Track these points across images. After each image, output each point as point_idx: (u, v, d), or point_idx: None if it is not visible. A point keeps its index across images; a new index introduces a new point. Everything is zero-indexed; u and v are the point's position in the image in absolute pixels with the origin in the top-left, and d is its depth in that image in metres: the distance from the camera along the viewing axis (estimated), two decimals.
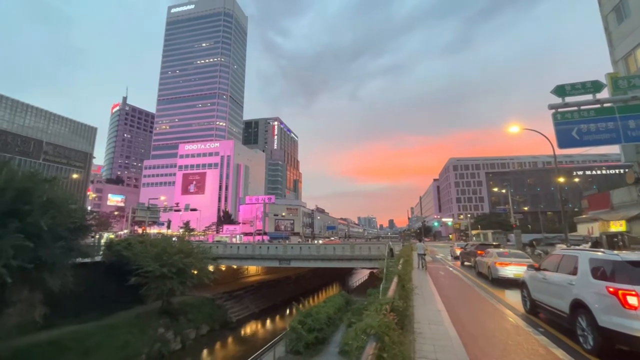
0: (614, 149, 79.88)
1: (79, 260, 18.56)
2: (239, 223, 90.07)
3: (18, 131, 66.04)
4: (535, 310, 8.52)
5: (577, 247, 9.10)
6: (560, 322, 7.05)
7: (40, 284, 14.84)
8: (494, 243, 28.84)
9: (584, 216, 31.23)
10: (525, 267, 12.31)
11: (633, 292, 5.15)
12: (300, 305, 19.23)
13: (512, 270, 13.87)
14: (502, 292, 12.46)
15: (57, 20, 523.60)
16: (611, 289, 5.43)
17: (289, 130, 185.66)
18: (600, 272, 5.96)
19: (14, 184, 13.87)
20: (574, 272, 6.68)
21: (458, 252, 27.53)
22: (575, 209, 54.24)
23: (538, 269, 8.58)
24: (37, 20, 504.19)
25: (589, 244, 23.85)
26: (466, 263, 23.23)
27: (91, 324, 18.16)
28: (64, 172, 70.05)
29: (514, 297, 11.15)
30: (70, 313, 18.73)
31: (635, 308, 5.07)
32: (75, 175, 69.55)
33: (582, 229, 30.32)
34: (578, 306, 6.15)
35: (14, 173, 14.81)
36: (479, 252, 21.48)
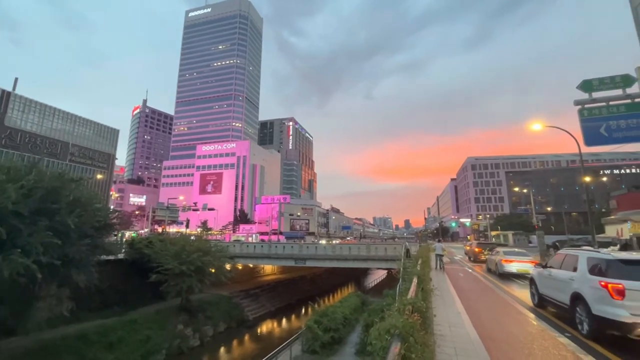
0: None
1: (103, 257, 19.18)
2: (255, 222, 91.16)
3: (46, 134, 69.24)
4: (542, 304, 9.30)
5: (579, 248, 9.73)
6: (563, 313, 7.98)
7: (67, 279, 15.41)
8: (492, 242, 35.27)
9: (612, 217, 29.88)
10: (526, 264, 15.38)
11: (620, 285, 6.11)
12: (316, 305, 19.23)
13: (515, 266, 16.03)
14: (521, 292, 12.46)
15: (80, 25, 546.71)
16: (603, 283, 6.38)
17: (303, 130, 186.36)
18: (596, 269, 6.88)
19: (43, 184, 14.48)
20: (574, 269, 7.60)
21: (467, 249, 31.96)
22: (603, 210, 51.88)
23: (545, 267, 9.39)
24: (62, 26, 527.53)
25: (618, 246, 22.79)
26: (471, 258, 27.22)
27: (114, 319, 18.79)
28: (89, 172, 72.86)
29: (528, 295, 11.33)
30: (94, 308, 19.49)
31: (621, 298, 6.05)
32: (99, 176, 72.28)
33: (611, 230, 29.04)
34: (577, 298, 7.12)
35: (42, 173, 15.47)
36: (476, 249, 26.35)
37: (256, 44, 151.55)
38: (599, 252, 7.56)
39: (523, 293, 11.92)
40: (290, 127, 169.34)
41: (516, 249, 19.89)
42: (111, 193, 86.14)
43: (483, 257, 23.68)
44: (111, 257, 21.54)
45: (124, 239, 28.59)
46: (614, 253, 7.31)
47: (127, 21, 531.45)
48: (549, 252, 26.14)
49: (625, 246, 21.74)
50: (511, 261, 16.40)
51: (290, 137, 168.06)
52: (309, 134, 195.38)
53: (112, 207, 52.15)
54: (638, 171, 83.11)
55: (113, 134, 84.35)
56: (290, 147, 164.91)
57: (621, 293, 6.09)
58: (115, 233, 24.76)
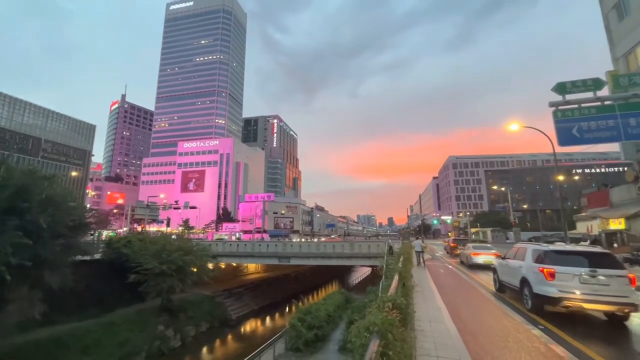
0: (613, 147, 79.79)
1: (79, 258, 18.50)
2: (239, 221, 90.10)
3: (16, 128, 65.89)
4: (502, 289, 11.08)
5: (528, 242, 12.22)
6: (514, 294, 9.92)
7: (39, 281, 14.79)
8: (464, 238, 41.74)
9: (583, 214, 31.31)
10: (490, 256, 17.54)
11: (552, 270, 7.98)
12: (300, 303, 19.25)
13: (482, 258, 18.65)
14: (488, 280, 13.79)
15: (53, 13, 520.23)
16: (540, 268, 8.22)
17: (288, 127, 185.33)
18: (538, 258, 8.66)
19: (13, 182, 13.79)
20: (523, 259, 9.35)
21: (445, 245, 36.49)
22: (575, 207, 54.28)
23: (504, 258, 11.17)
24: (32, 13, 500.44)
25: (588, 241, 23.93)
26: (449, 253, 30.43)
27: (91, 321, 18.15)
28: (63, 169, 69.96)
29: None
30: (70, 310, 18.74)
31: (552, 279, 7.92)
32: (74, 173, 69.36)
33: (582, 227, 30.42)
34: (524, 281, 8.92)
35: (12, 170, 14.73)
36: (452, 244, 30.28)
37: (240, 39, 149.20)
38: (540, 245, 9.64)
39: (489, 281, 13.34)
40: (275, 124, 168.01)
41: (483, 244, 23.39)
42: (87, 191, 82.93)
43: (458, 252, 26.11)
44: (87, 258, 20.80)
45: (101, 239, 27.68)
46: (550, 246, 9.30)
47: (105, 11, 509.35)
48: None
49: (595, 241, 22.82)
50: (478, 254, 19.18)
51: (275, 135, 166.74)
52: (294, 132, 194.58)
53: (88, 205, 50.23)
54: (607, 170, 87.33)
55: (89, 129, 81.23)
56: (275, 145, 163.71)
57: (552, 275, 7.96)
58: (92, 232, 23.95)
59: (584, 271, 7.72)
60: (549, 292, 7.85)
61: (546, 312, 8.37)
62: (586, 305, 7.58)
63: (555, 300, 7.77)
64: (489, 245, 23.00)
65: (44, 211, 14.14)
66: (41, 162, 66.10)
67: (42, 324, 16.69)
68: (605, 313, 7.97)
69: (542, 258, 8.53)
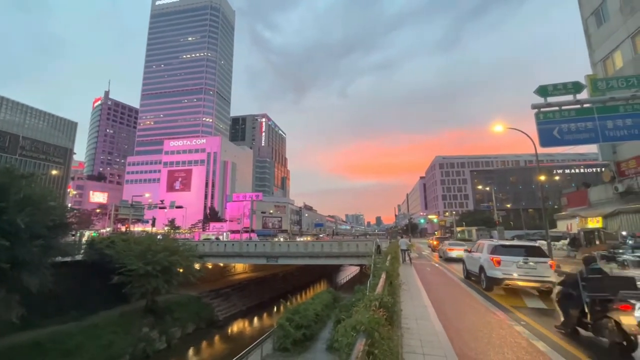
0: (591, 148, 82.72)
1: (59, 259, 17.95)
2: (226, 220, 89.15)
3: None
4: (468, 276, 13.57)
5: (489, 238, 15.90)
6: (475, 279, 12.57)
7: (17, 284, 14.28)
8: (445, 237, 48.87)
9: (563, 213, 32.27)
10: (461, 251, 19.82)
11: (498, 258, 10.70)
12: (288, 303, 19.15)
13: (455, 253, 21.71)
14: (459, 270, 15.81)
15: (34, 6, 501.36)
16: (492, 258, 10.88)
17: (276, 126, 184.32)
18: (492, 250, 11.22)
19: None
20: (482, 252, 11.86)
21: (429, 242, 41.10)
22: (555, 206, 55.95)
23: (470, 252, 13.67)
24: (12, 6, 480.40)
25: (568, 239, 24.71)
26: (432, 249, 33.73)
27: (72, 324, 17.66)
28: (43, 168, 67.69)
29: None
30: (50, 313, 18.16)
31: (499, 265, 10.63)
32: (54, 172, 67.13)
33: (562, 226, 31.32)
34: (481, 268, 11.54)
35: None
36: (434, 242, 34.44)
37: (228, 37, 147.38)
38: (492, 240, 12.70)
39: (461, 271, 15.27)
40: (263, 123, 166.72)
41: (457, 242, 27.53)
42: (68, 190, 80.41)
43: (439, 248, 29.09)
44: (68, 259, 20.19)
45: (83, 239, 26.95)
46: (501, 241, 12.54)
47: (88, 5, 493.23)
48: None
49: (574, 239, 23.56)
50: (452, 249, 22.37)
51: (263, 134, 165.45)
52: (282, 131, 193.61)
53: (69, 205, 48.67)
54: (586, 171, 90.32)
55: (70, 127, 78.76)
56: (263, 144, 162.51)
57: (499, 262, 10.64)
58: (73, 233, 23.29)
59: (520, 259, 10.43)
60: (496, 275, 10.61)
61: (529, 309, 9.06)
62: (520, 283, 10.38)
63: (500, 281, 10.51)
64: (462, 242, 26.66)
65: (22, 211, 13.66)
66: (19, 160, 63.77)
67: (20, 328, 16.10)
68: (536, 289, 10.53)
69: (494, 250, 11.16)
